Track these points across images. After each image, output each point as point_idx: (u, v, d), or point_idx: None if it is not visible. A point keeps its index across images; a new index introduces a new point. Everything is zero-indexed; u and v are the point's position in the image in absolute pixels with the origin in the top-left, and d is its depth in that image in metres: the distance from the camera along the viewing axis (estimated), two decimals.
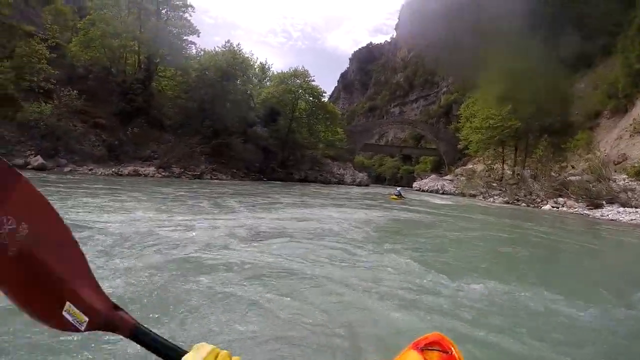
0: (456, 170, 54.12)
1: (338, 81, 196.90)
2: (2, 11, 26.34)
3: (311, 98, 51.72)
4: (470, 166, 51.91)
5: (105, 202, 10.68)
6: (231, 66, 40.88)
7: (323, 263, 5.69)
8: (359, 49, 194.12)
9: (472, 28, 62.80)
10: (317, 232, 8.62)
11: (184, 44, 38.96)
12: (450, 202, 26.09)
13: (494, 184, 38.14)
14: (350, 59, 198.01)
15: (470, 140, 45.60)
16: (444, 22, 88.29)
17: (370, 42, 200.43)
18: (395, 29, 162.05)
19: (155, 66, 38.40)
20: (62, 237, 0.80)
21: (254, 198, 17.30)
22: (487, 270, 6.52)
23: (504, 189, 34.61)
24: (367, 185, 58.66)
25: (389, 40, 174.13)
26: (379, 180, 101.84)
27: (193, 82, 40.04)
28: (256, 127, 48.78)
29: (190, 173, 30.78)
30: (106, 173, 25.28)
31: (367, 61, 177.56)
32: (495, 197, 33.45)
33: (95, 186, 15.81)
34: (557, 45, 43.35)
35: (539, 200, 27.81)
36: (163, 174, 28.65)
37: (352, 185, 51.31)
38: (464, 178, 46.11)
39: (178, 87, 40.19)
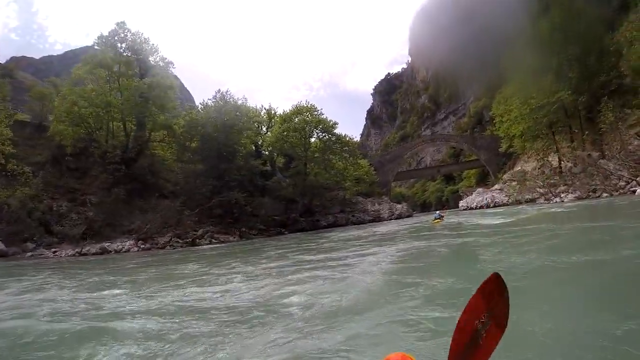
0: (504, 176, 46.39)
1: (366, 119, 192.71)
2: None
3: (323, 133, 46.49)
4: (519, 168, 44.15)
5: None
6: (225, 115, 37.10)
7: None
8: (379, 82, 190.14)
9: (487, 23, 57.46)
10: None
11: (169, 104, 35.48)
12: (505, 220, 16.17)
13: (553, 180, 30.71)
14: (372, 94, 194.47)
15: (513, 135, 38.49)
16: (454, 29, 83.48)
17: (388, 73, 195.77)
18: (409, 53, 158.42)
19: (147, 132, 35.32)
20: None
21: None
22: None
23: (570, 182, 27.22)
24: (409, 215, 52.06)
25: (405, 66, 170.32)
26: (425, 207, 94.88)
27: (187, 140, 36.51)
28: (275, 177, 44.34)
29: (181, 240, 25.87)
30: (69, 254, 21.59)
31: (389, 92, 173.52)
32: (562, 195, 26.26)
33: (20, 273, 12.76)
34: None
35: (624, 184, 20.42)
36: (143, 246, 24.04)
37: (391, 220, 44.71)
38: (515, 183, 38.55)
39: (171, 147, 36.92)
